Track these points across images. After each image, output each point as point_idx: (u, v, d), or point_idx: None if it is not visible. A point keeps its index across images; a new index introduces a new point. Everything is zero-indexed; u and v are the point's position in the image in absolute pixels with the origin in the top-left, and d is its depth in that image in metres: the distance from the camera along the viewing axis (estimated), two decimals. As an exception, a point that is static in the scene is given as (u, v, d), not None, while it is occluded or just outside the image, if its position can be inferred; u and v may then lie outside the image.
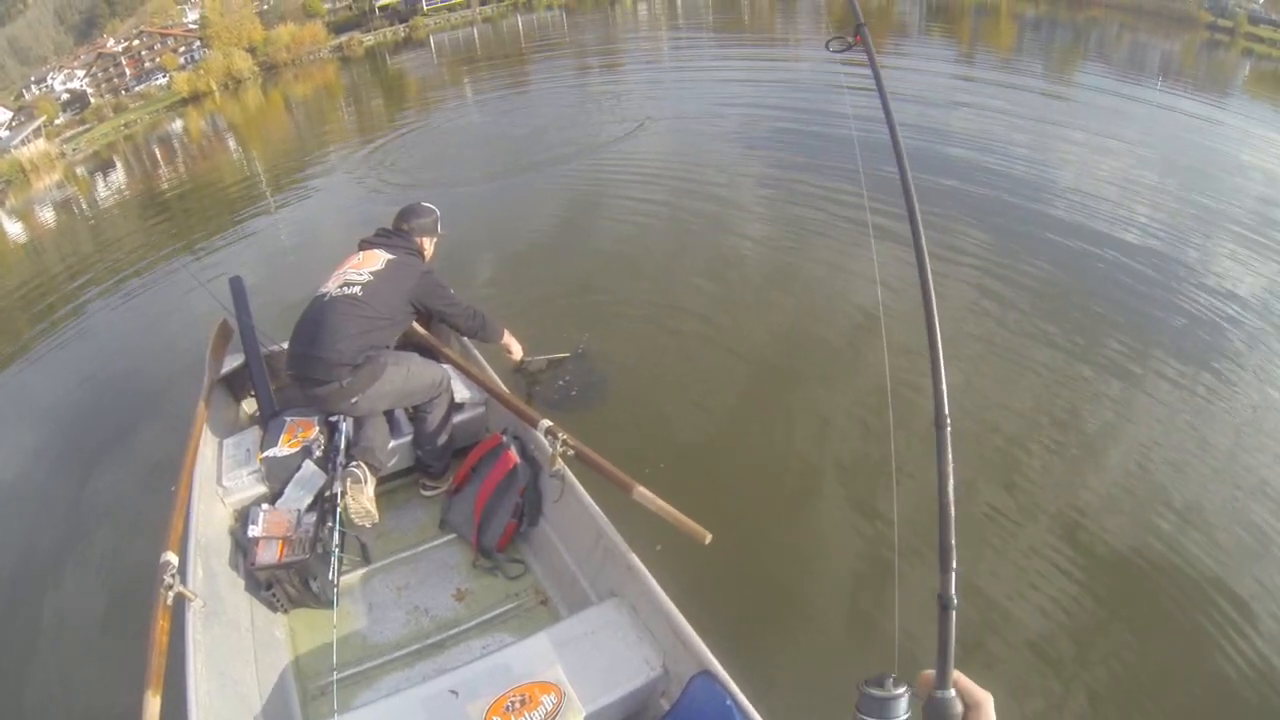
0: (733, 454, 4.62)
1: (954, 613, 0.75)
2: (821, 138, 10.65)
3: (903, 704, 0.72)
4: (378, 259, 3.63)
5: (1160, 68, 18.29)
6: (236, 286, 4.44)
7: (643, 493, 2.76)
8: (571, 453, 3.14)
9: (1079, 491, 4.13)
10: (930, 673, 0.72)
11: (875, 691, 0.74)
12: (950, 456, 0.84)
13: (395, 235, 3.86)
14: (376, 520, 3.47)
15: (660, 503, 2.71)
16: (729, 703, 2.19)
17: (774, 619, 3.52)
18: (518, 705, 2.29)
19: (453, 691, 2.40)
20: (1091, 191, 8.38)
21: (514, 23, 40.59)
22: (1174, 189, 8.62)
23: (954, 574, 0.77)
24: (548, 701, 2.30)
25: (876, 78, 1.48)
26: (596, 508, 3.06)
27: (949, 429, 0.85)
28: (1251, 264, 6.74)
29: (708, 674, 2.28)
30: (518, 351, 4.31)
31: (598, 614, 2.72)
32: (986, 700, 0.69)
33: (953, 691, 0.70)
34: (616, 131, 12.36)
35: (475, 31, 39.68)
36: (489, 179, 10.26)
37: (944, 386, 0.87)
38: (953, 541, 0.79)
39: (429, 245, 4.01)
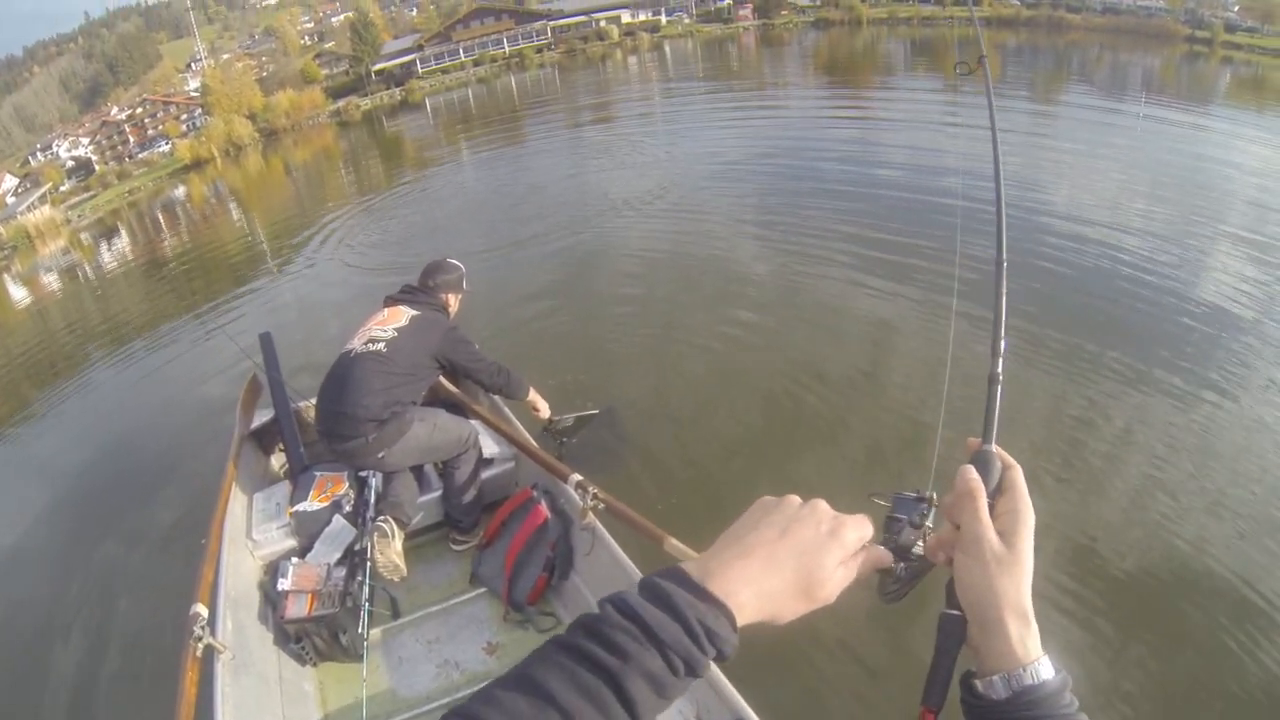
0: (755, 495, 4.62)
1: (1000, 387, 0.91)
2: (818, 176, 10.95)
3: (928, 509, 0.81)
4: (402, 315, 3.65)
5: (1143, 83, 18.61)
6: (266, 342, 4.49)
7: (675, 544, 2.74)
8: (602, 506, 3.15)
9: (1094, 503, 4.20)
10: (976, 439, 0.83)
11: (908, 493, 0.83)
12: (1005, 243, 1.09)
13: (420, 292, 3.87)
14: (404, 575, 3.47)
15: (692, 554, 2.61)
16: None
17: (808, 666, 3.50)
18: (550, 758, 2.29)
19: None
20: (1084, 205, 8.51)
21: (507, 82, 41.29)
22: (1166, 198, 8.75)
23: (1001, 357, 0.93)
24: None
25: (990, 107, 1.62)
26: (628, 560, 3.04)
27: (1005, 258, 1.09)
28: (1247, 267, 6.86)
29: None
30: (545, 409, 4.25)
31: None
32: (1018, 466, 0.79)
33: (994, 448, 0.81)
34: (619, 186, 12.53)
35: (470, 92, 40.34)
36: (488, 249, 10.09)
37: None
38: (1003, 330, 0.97)
39: (454, 301, 4.01)
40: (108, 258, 18.98)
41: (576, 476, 3.26)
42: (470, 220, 12.25)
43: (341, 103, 42.57)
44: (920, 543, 0.80)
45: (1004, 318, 0.99)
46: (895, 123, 15.29)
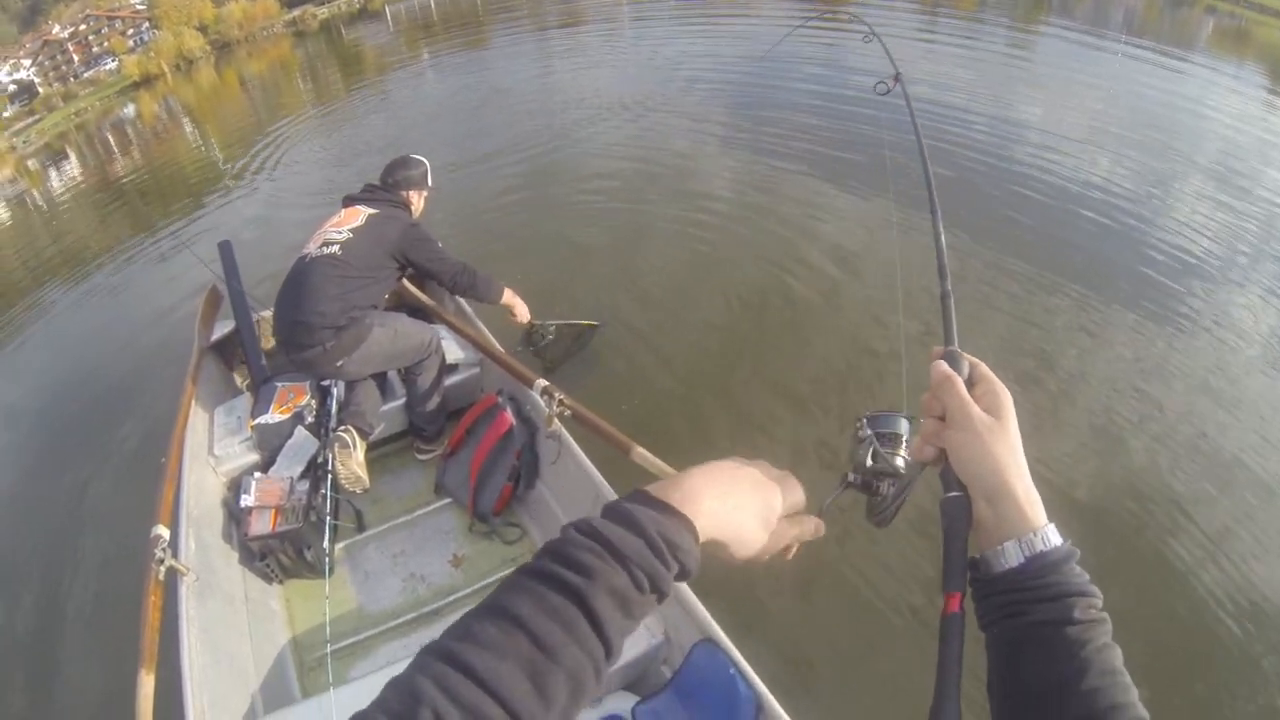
0: (736, 411, 4.56)
1: (952, 300, 0.99)
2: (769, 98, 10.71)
3: (904, 423, 0.82)
4: (358, 215, 3.48)
5: (1125, 22, 18.29)
6: (225, 251, 4.34)
7: (641, 453, 2.67)
8: (568, 413, 3.06)
9: (1050, 439, 4.12)
10: (939, 347, 0.86)
11: (882, 410, 0.84)
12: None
13: (380, 190, 3.71)
14: (367, 486, 3.40)
15: (660, 463, 2.62)
16: (731, 670, 2.18)
17: (776, 584, 3.46)
18: (515, 672, 2.21)
19: None
20: (1056, 143, 8.36)
21: (471, -11, 39.89)
22: (1139, 140, 8.65)
23: (947, 277, 1.04)
24: (547, 667, 2.23)
25: (913, 119, 1.72)
26: (594, 469, 2.98)
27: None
28: (1214, 211, 6.79)
29: (710, 641, 2.25)
30: (523, 311, 4.01)
31: None
32: (981, 362, 0.82)
33: (958, 348, 0.85)
34: (582, 91, 12.28)
35: (432, 0, 38.97)
36: (453, 160, 9.79)
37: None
38: (945, 259, 1.10)
39: (417, 199, 3.82)
40: (58, 184, 18.33)
41: (542, 382, 3.15)
42: (432, 127, 11.91)
43: (297, 11, 40.94)
44: (903, 457, 0.82)
45: (944, 248, 1.13)
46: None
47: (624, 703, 2.32)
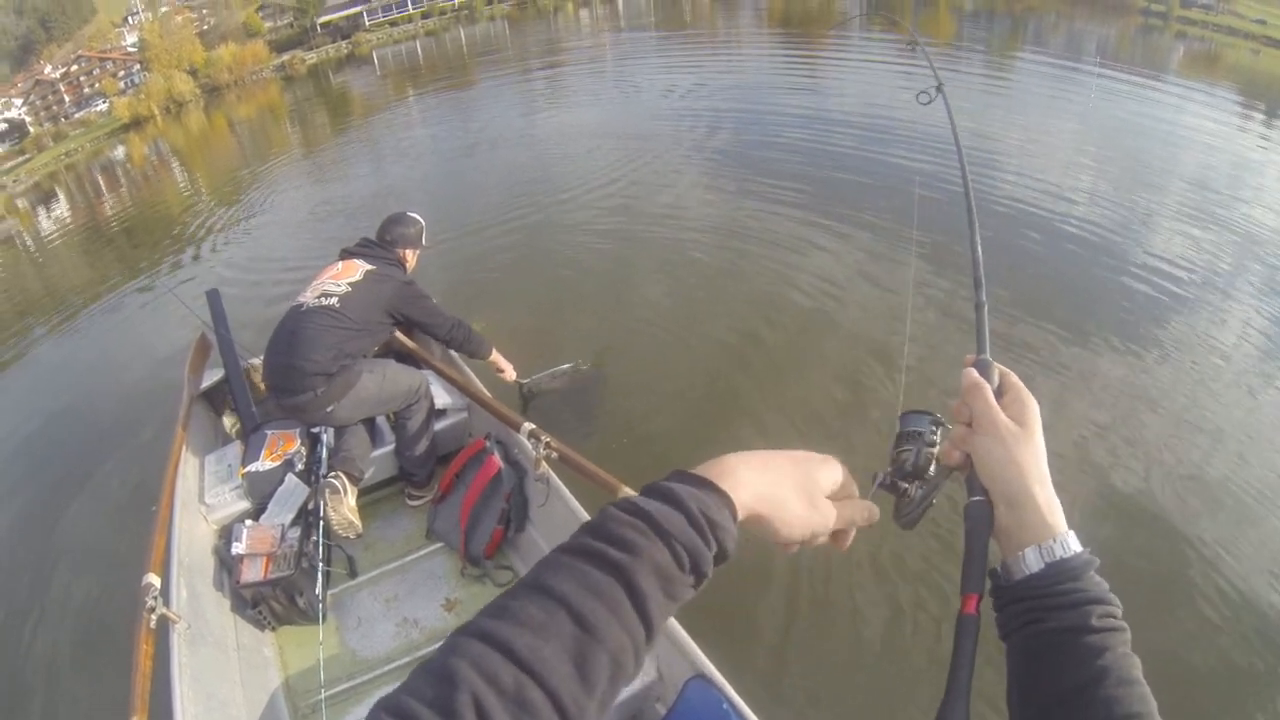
0: (726, 446, 4.60)
1: (985, 311, 1.00)
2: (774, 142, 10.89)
3: (940, 429, 0.85)
4: (356, 270, 3.55)
5: (1098, 51, 18.77)
6: (214, 300, 4.37)
7: (629, 494, 2.71)
8: (555, 455, 3.10)
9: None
10: (972, 355, 0.88)
11: (917, 409, 0.87)
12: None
13: (377, 246, 3.78)
14: (360, 531, 3.44)
15: None
16: (725, 706, 2.16)
17: (768, 619, 3.51)
18: (511, 717, 2.26)
19: None
20: (1033, 167, 8.58)
21: (457, 35, 40.41)
22: (1114, 163, 8.87)
23: (983, 288, 1.04)
24: (541, 713, 2.28)
25: (954, 132, 1.74)
26: (582, 510, 3.03)
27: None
28: (1190, 235, 6.97)
29: (702, 678, 2.26)
30: (509, 370, 4.19)
31: None
32: (1011, 372, 0.84)
33: (989, 358, 0.87)
34: (568, 140, 12.44)
35: (419, 45, 39.44)
36: (440, 220, 9.82)
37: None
38: (980, 256, 1.11)
39: (411, 257, 3.91)
40: (46, 223, 18.35)
41: (529, 425, 3.22)
42: (419, 175, 12.01)
43: (286, 56, 41.30)
44: (933, 461, 0.84)
45: (980, 260, 1.10)
46: (846, 78, 15.27)
47: (620, 742, 2.32)
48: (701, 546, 0.60)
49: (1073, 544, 0.72)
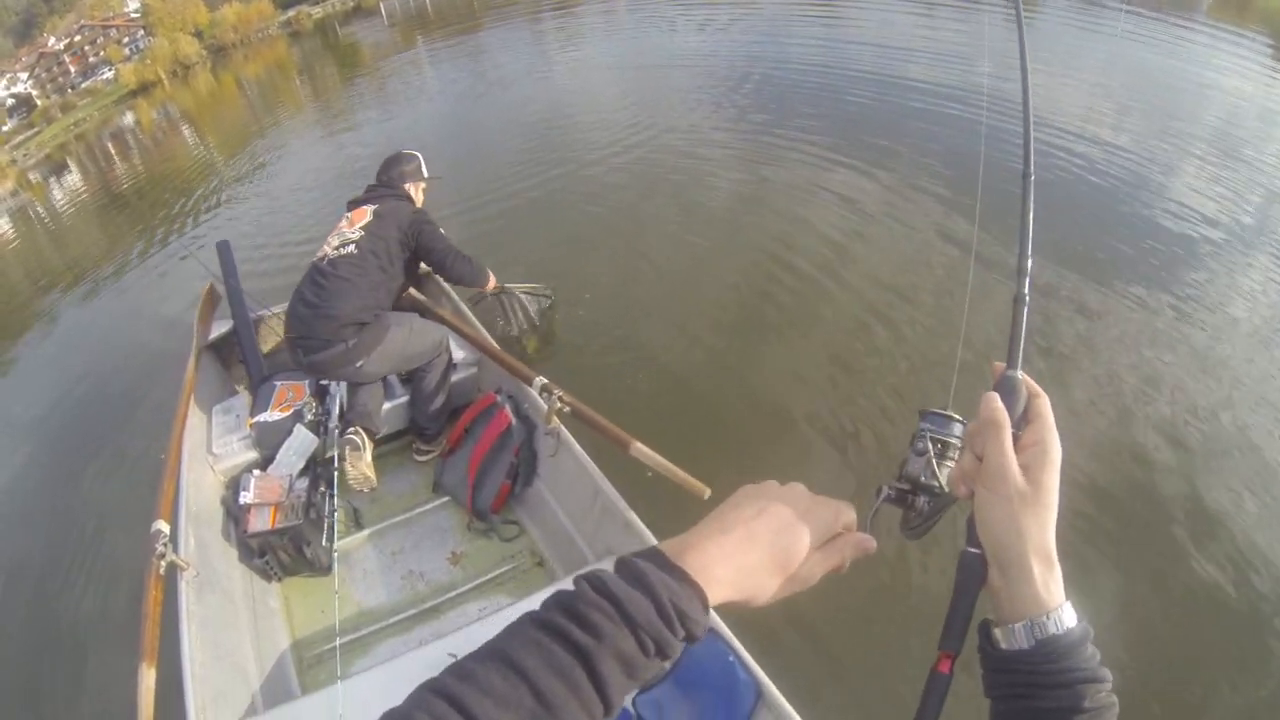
0: (734, 405, 4.51)
1: (1025, 307, 0.84)
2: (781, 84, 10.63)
3: (960, 428, 0.77)
4: (365, 214, 3.59)
5: None
6: (224, 250, 4.35)
7: (640, 448, 2.67)
8: (567, 410, 3.06)
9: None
10: (1001, 363, 0.78)
11: (939, 410, 0.78)
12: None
13: (381, 187, 3.83)
14: (375, 485, 3.43)
15: (658, 458, 2.63)
16: (731, 658, 2.18)
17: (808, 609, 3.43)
18: (516, 667, 2.19)
19: (451, 655, 2.33)
20: (1055, 120, 8.23)
21: (465, -18, 39.74)
22: (1137, 115, 8.53)
23: (1028, 276, 0.86)
24: (546, 664, 2.20)
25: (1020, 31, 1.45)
26: (593, 465, 2.98)
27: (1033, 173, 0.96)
28: (1214, 187, 6.66)
29: (712, 631, 2.22)
30: (493, 283, 4.16)
31: None
32: (1045, 395, 0.74)
33: (1020, 374, 0.75)
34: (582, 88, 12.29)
35: (426, -7, 38.89)
36: (453, 155, 9.84)
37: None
38: (1029, 247, 0.89)
39: (415, 191, 3.92)
40: (59, 195, 18.36)
41: (541, 380, 3.16)
42: (430, 126, 11.87)
43: (292, 12, 40.85)
44: (942, 475, 0.76)
45: (1030, 236, 0.90)
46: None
47: (624, 695, 2.28)
48: (668, 636, 0.60)
49: (1067, 619, 0.66)
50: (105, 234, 11.89)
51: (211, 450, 3.40)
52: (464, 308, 4.24)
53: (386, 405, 3.68)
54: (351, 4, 41.83)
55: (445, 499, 3.50)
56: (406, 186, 3.85)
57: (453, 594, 3.06)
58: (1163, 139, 7.71)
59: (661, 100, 10.40)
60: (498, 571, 3.15)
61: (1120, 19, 13.89)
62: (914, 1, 15.33)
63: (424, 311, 3.97)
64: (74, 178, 20.21)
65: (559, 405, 3.07)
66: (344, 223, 3.63)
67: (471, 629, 2.52)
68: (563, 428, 3.18)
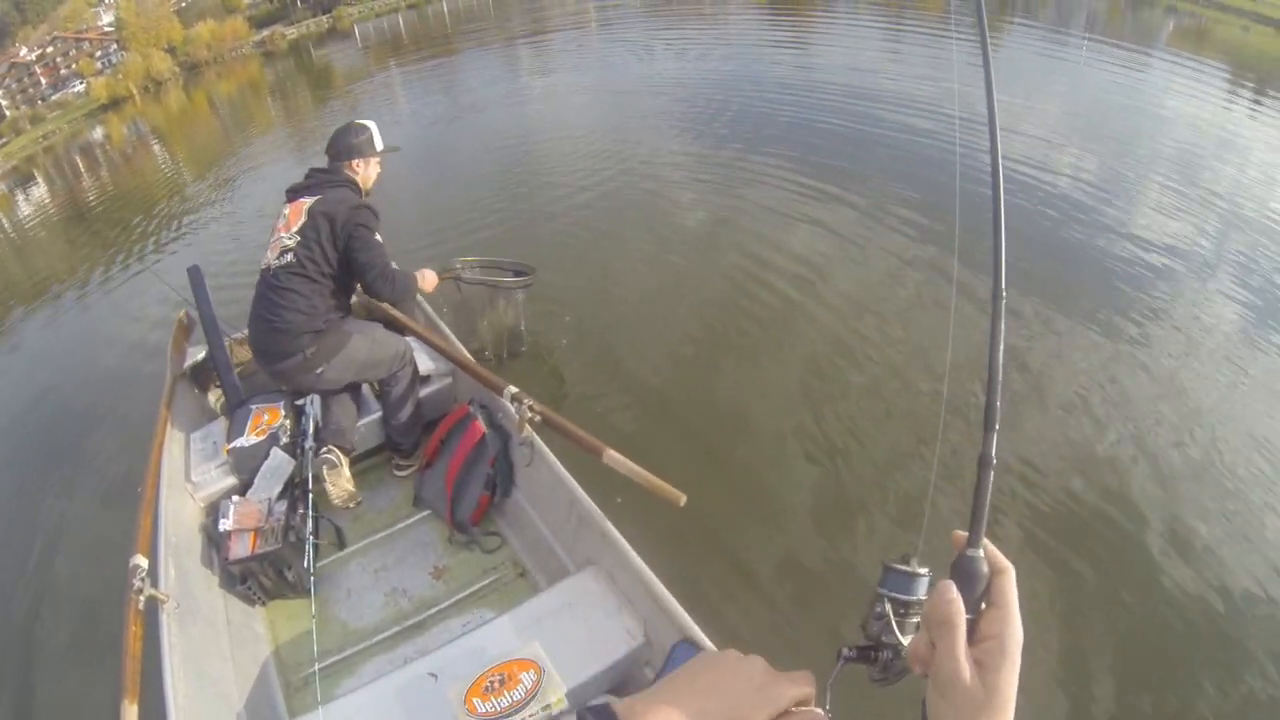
0: (705, 411, 4.63)
1: (992, 472, 0.73)
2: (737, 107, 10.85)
3: (924, 584, 0.71)
4: (301, 212, 3.36)
5: (1088, 23, 18.67)
6: (195, 276, 4.30)
7: (613, 456, 2.69)
8: (539, 419, 3.07)
9: (1016, 431, 4.26)
10: (962, 533, 0.71)
11: (901, 566, 0.73)
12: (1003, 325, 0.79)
13: (322, 172, 3.55)
14: (359, 500, 3.47)
15: (631, 465, 2.64)
16: None
17: (754, 579, 3.52)
18: (497, 685, 2.25)
19: (432, 674, 2.37)
20: (1017, 146, 8.50)
21: (439, 8, 39.90)
22: (1098, 142, 8.81)
23: (995, 433, 0.75)
24: (527, 679, 2.26)
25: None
26: (567, 474, 3.00)
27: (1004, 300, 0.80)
28: (1174, 212, 6.94)
29: (690, 641, 2.25)
30: (431, 281, 3.95)
31: (575, 584, 2.69)
32: (1010, 569, 0.68)
33: (982, 552, 0.69)
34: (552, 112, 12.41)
35: (400, 19, 39.00)
36: (423, 183, 9.87)
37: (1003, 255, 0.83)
38: (998, 402, 0.76)
39: (363, 167, 3.62)
40: (25, 208, 18.06)
41: (512, 389, 3.17)
42: (403, 148, 11.80)
43: (266, 32, 40.72)
44: (904, 636, 0.71)
45: (999, 384, 0.78)
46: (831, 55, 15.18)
47: (610, 707, 2.33)
48: None
49: None
50: (71, 249, 11.76)
51: (190, 479, 3.40)
52: (436, 318, 4.27)
53: (361, 422, 3.69)
54: (326, 26, 41.85)
55: (426, 512, 3.52)
56: (355, 163, 3.58)
57: (435, 609, 3.07)
58: (1123, 164, 8.01)
59: (634, 126, 10.62)
60: (480, 584, 3.17)
61: (1083, 48, 14.35)
62: (883, 31, 15.78)
63: (391, 322, 3.89)
64: (41, 191, 19.92)
65: (530, 414, 3.07)
66: (281, 223, 3.42)
67: (454, 645, 2.52)
68: (536, 437, 3.19)
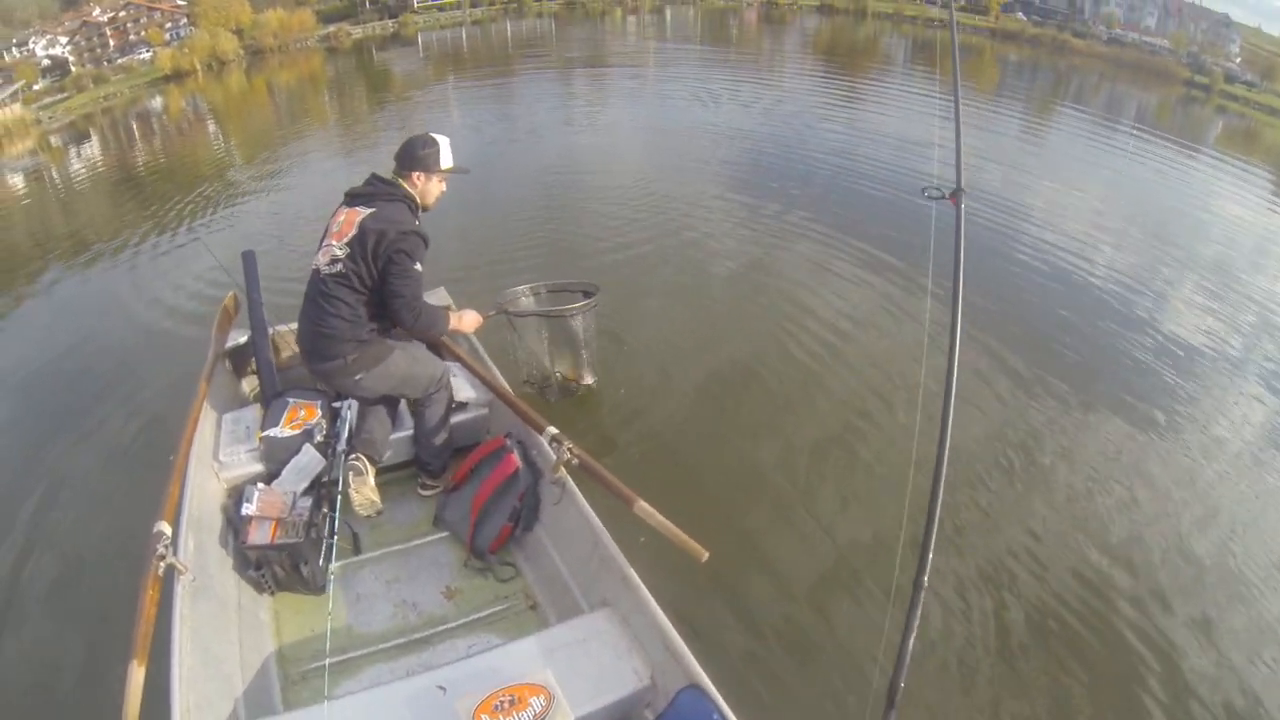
0: (735, 474, 4.74)
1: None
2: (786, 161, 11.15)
3: None
4: (353, 224, 3.29)
5: (1137, 116, 18.86)
6: (249, 261, 4.40)
7: (644, 507, 2.79)
8: (575, 462, 3.17)
9: (1021, 520, 4.42)
10: None
11: None
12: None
13: (381, 183, 3.45)
14: (380, 509, 3.51)
15: (660, 519, 2.75)
16: (716, 717, 2.23)
17: (767, 638, 3.59)
18: (506, 705, 2.31)
19: (441, 687, 2.43)
20: (1059, 230, 8.65)
21: (503, 27, 40.54)
22: (1138, 234, 8.94)
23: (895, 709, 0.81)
24: (536, 704, 2.32)
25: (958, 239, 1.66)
26: (595, 518, 3.08)
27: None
28: (1206, 311, 7.04)
29: (696, 688, 2.32)
30: (471, 322, 3.82)
31: (588, 623, 2.77)
32: None
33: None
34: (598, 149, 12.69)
35: (464, 33, 39.57)
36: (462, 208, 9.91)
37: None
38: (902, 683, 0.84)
39: (423, 181, 3.48)
40: (76, 164, 18.34)
41: (552, 430, 3.28)
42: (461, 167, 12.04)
43: (332, 28, 41.29)
44: None
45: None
46: (881, 121, 15.39)
47: (605, 746, 2.39)
48: None
49: None
50: (115, 212, 11.82)
51: (218, 458, 3.48)
52: (480, 349, 4.32)
53: (394, 436, 3.76)
54: (391, 30, 42.48)
55: (445, 534, 3.58)
56: (416, 176, 3.45)
57: (443, 628, 3.13)
58: (1160, 259, 8.21)
59: (681, 168, 10.90)
60: (490, 610, 3.22)
61: (1130, 141, 14.49)
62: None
63: (433, 346, 3.98)
64: (94, 149, 20.22)
65: (568, 457, 3.17)
66: (334, 227, 3.36)
67: (462, 664, 2.58)
68: (569, 478, 3.27)
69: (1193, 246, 8.84)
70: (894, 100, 17.59)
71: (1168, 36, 32.88)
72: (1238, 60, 31.01)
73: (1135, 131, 15.97)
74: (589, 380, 5.07)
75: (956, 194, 1.97)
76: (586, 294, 4.73)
